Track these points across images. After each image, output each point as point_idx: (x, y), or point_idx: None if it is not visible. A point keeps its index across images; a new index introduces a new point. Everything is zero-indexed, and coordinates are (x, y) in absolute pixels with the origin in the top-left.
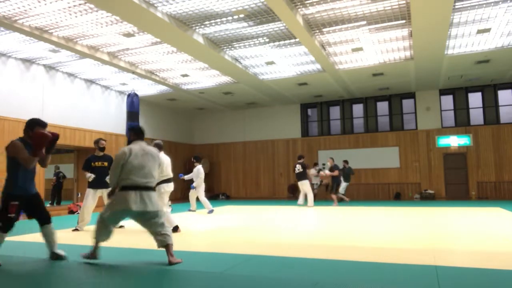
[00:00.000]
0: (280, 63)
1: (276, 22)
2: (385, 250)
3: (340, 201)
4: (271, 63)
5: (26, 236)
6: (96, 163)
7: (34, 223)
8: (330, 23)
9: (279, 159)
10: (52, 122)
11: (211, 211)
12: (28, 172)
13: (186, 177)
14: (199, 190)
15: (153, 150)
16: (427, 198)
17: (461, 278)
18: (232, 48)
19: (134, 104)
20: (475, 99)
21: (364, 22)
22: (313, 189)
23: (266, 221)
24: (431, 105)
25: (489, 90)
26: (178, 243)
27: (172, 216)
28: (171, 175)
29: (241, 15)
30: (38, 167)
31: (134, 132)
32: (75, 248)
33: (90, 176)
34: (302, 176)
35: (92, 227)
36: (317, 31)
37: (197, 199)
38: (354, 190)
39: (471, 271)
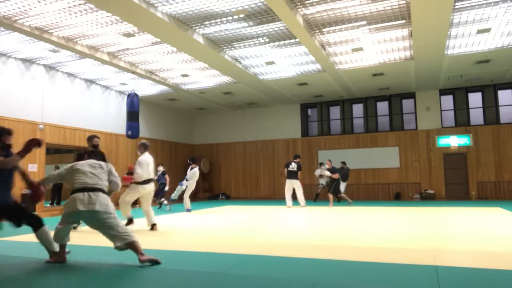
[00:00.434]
0: (280, 63)
1: (276, 22)
2: (385, 250)
3: (339, 201)
4: (271, 63)
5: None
6: None
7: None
8: (330, 23)
9: (279, 159)
10: (52, 122)
11: (188, 210)
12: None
13: (184, 183)
14: (188, 188)
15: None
16: (427, 198)
17: (461, 278)
18: (232, 48)
19: (134, 104)
20: (475, 99)
21: (364, 22)
22: (319, 188)
23: (266, 221)
24: (431, 105)
25: (489, 90)
26: (178, 243)
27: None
28: (151, 176)
29: (241, 15)
30: (38, 169)
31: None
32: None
33: None
34: (295, 175)
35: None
36: (317, 31)
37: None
38: (354, 190)
39: (471, 271)
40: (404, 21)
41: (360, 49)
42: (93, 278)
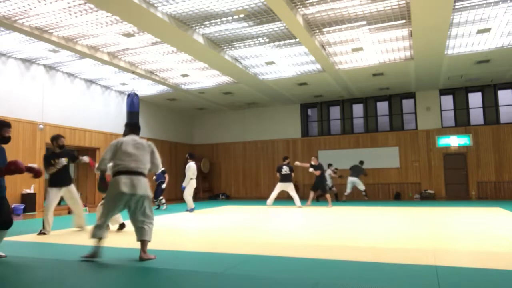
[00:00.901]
0: (280, 63)
1: (276, 22)
2: (385, 250)
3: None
4: (271, 63)
5: (28, 236)
6: (56, 160)
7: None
8: (330, 23)
9: (279, 159)
10: (52, 122)
11: (191, 210)
12: None
13: (185, 183)
14: (188, 187)
15: (144, 141)
16: (427, 198)
17: (461, 278)
18: (232, 48)
19: (134, 104)
20: (475, 99)
21: (364, 22)
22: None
23: (266, 221)
24: (431, 105)
25: (489, 90)
26: (178, 243)
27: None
28: None
29: (241, 15)
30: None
31: (128, 128)
32: (74, 248)
33: (61, 161)
34: (289, 178)
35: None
36: (317, 31)
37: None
38: (355, 190)
39: (471, 271)
40: (404, 21)
41: (360, 49)
42: (93, 278)
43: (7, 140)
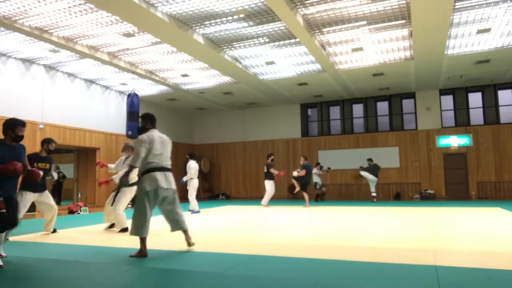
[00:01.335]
0: (280, 63)
1: (276, 22)
2: (385, 250)
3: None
4: (271, 63)
5: (28, 236)
6: (40, 164)
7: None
8: (330, 23)
9: (279, 159)
10: (52, 122)
11: (195, 212)
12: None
13: (185, 178)
14: (190, 187)
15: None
16: (427, 198)
17: (461, 278)
18: (232, 48)
19: (134, 104)
20: (475, 99)
21: (364, 22)
22: (316, 188)
23: (266, 221)
24: (431, 105)
25: (489, 90)
26: (179, 243)
27: (124, 217)
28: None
29: (241, 15)
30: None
31: (151, 121)
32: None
33: (53, 175)
34: (265, 175)
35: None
36: (317, 31)
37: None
38: (355, 190)
39: (471, 271)
40: (404, 21)
41: (360, 49)
42: (94, 278)
43: (20, 138)
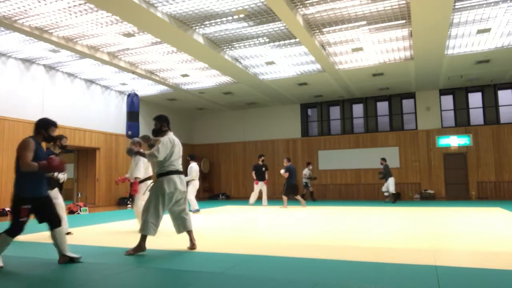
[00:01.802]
0: (280, 63)
1: (276, 22)
2: (385, 250)
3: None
4: (271, 63)
5: (29, 236)
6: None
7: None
8: (330, 23)
9: (279, 159)
10: None
11: (196, 211)
12: (36, 172)
13: (186, 178)
14: (190, 188)
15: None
16: (427, 198)
17: (461, 278)
18: (232, 48)
19: (134, 104)
20: (475, 99)
21: (364, 22)
22: (307, 188)
23: (266, 221)
24: (431, 105)
25: (489, 90)
26: (179, 243)
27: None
28: (151, 173)
29: (241, 15)
30: None
31: (167, 123)
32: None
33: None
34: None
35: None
36: (317, 31)
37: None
38: (354, 190)
39: (471, 271)
40: (404, 21)
41: (360, 49)
42: (94, 278)
43: (52, 139)
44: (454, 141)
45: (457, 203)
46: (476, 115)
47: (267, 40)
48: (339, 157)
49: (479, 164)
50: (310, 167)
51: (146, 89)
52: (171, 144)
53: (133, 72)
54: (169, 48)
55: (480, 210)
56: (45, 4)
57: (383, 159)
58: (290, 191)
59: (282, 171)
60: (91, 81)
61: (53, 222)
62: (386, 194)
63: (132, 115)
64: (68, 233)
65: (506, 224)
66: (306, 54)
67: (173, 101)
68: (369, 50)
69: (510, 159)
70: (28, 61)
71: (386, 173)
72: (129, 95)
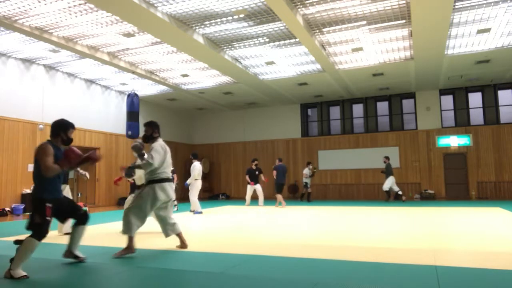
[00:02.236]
0: (280, 63)
1: (276, 22)
2: (385, 250)
3: (397, 199)
4: (271, 63)
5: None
6: None
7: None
8: (330, 23)
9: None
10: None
11: (198, 212)
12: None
13: (189, 180)
14: (192, 188)
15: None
16: (427, 198)
17: (461, 278)
18: (232, 48)
19: (134, 104)
20: (475, 99)
21: (364, 22)
22: (307, 188)
23: (266, 221)
24: (431, 105)
25: (489, 90)
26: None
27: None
28: None
29: (241, 15)
30: None
31: (158, 129)
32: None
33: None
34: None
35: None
36: (317, 31)
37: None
38: (355, 190)
39: (471, 271)
40: (404, 21)
41: (360, 49)
42: (95, 278)
43: (70, 141)
44: (454, 141)
45: (457, 203)
46: (476, 115)
47: (267, 40)
48: (339, 157)
49: (479, 164)
50: (310, 166)
51: (146, 89)
52: (163, 151)
53: (133, 72)
54: (169, 48)
55: (480, 210)
56: (45, 4)
57: (387, 157)
58: (278, 188)
59: (274, 172)
60: (91, 81)
61: (80, 218)
62: (398, 192)
63: (132, 115)
64: (68, 233)
65: (506, 224)
66: (306, 54)
67: (173, 101)
68: (369, 50)
69: (510, 159)
70: (28, 61)
71: (387, 171)
72: (129, 95)
